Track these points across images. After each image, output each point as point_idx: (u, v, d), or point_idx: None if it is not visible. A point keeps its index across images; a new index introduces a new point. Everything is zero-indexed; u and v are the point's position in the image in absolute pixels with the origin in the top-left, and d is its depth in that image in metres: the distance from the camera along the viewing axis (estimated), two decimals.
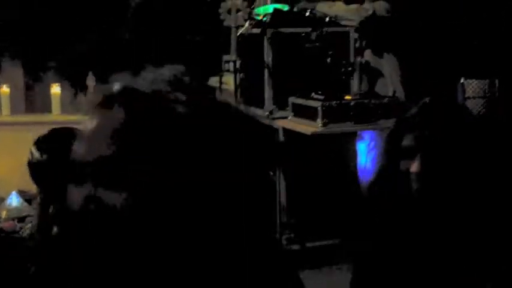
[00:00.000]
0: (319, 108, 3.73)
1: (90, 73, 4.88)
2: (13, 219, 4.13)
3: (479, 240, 1.84)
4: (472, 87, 4.64)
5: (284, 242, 4.02)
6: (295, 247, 4.03)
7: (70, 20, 5.48)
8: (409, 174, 1.95)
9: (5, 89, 5.00)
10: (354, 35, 4.23)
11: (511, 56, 4.62)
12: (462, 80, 4.61)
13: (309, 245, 4.05)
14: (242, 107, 0.92)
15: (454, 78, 4.62)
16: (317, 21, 4.12)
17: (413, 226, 1.99)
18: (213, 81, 4.90)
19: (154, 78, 0.85)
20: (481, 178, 1.89)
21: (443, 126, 1.93)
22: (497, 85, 4.64)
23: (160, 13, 5.71)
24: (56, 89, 4.99)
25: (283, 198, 4.02)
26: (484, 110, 4.59)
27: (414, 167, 1.95)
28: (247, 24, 4.08)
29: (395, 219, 2.06)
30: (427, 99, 2.00)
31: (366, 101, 3.86)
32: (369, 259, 2.05)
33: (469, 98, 4.61)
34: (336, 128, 3.79)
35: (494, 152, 1.95)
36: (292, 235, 4.04)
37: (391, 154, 2.03)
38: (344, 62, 4.13)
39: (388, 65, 4.51)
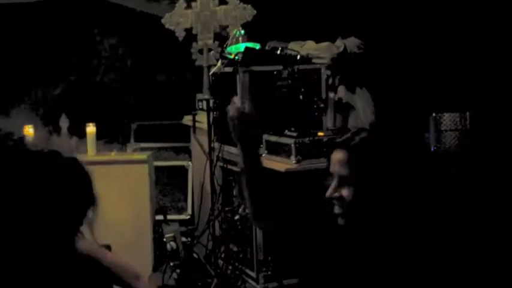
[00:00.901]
0: (293, 145, 3.74)
1: (64, 114, 4.87)
2: None
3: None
4: (443, 120, 4.69)
5: (261, 280, 4.00)
6: (273, 285, 4.01)
7: (44, 64, 5.49)
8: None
9: None
10: (325, 72, 4.27)
11: (482, 89, 4.69)
12: (434, 114, 4.66)
13: (286, 282, 4.02)
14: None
15: (425, 112, 4.67)
16: (288, 59, 4.16)
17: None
18: (187, 120, 4.91)
19: None
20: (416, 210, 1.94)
21: (383, 160, 1.98)
22: (468, 118, 4.69)
23: (133, 54, 5.74)
24: (29, 130, 4.96)
25: (259, 236, 4.00)
26: (456, 142, 4.63)
27: (345, 192, 2.00)
28: (219, 63, 4.10)
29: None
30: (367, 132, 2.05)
31: None
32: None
33: (441, 131, 4.66)
34: (310, 164, 3.80)
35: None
36: (269, 272, 4.01)
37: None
38: (316, 98, 4.17)
39: (360, 100, 4.55)
